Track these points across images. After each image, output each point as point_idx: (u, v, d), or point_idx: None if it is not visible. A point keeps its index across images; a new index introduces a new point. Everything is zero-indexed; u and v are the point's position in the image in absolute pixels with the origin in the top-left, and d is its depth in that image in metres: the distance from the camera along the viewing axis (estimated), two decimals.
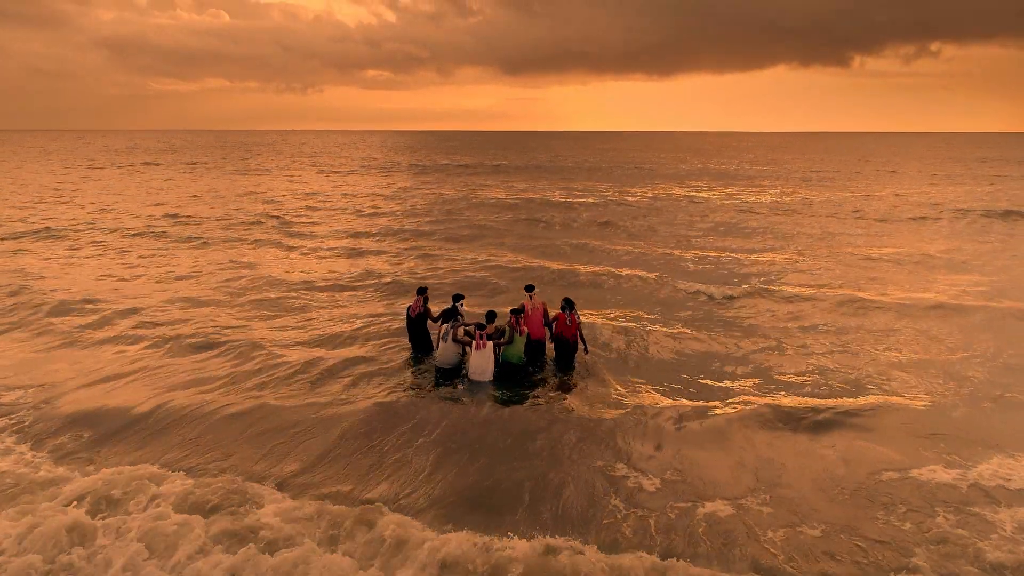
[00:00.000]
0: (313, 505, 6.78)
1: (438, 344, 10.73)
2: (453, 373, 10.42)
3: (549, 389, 9.96)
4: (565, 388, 10.04)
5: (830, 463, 7.81)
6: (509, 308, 11.14)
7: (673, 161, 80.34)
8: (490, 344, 10.17)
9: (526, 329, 10.56)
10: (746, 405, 9.31)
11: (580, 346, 10.97)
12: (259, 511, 6.70)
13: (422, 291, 11.49)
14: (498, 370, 10.26)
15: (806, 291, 15.84)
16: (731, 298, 15.24)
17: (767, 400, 9.51)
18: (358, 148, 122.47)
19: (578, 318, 10.91)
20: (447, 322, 10.60)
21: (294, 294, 15.82)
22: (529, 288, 11.39)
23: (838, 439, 8.39)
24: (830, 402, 9.46)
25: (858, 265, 19.15)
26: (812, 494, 7.18)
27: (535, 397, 9.61)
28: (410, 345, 11.59)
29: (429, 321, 11.32)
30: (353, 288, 16.54)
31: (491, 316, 10.55)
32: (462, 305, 11.02)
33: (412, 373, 10.59)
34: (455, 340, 10.46)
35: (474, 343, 10.16)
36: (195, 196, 38.26)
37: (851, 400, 9.56)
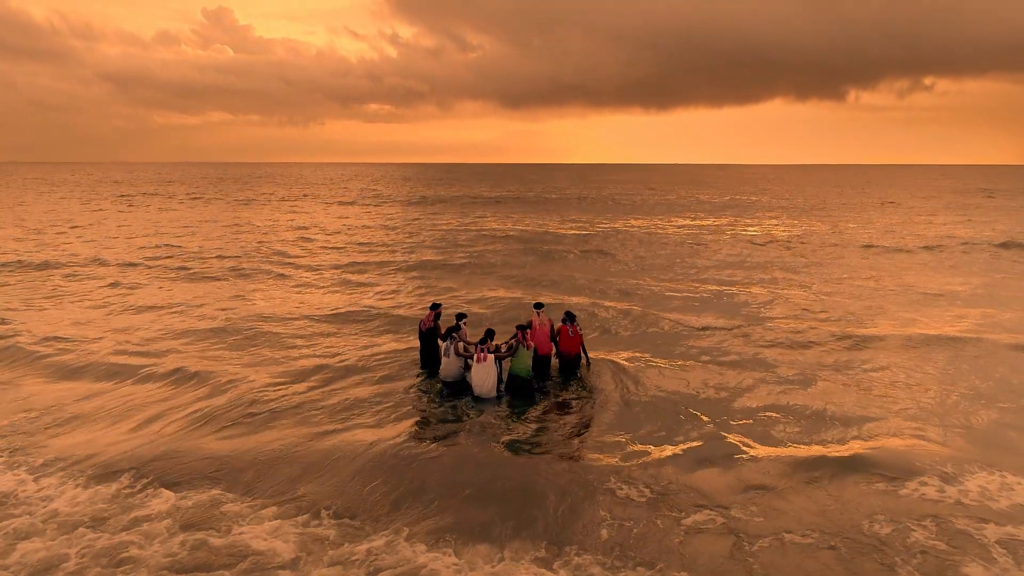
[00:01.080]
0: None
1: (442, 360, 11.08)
2: (459, 388, 10.75)
3: (551, 425, 9.75)
4: (564, 424, 9.81)
5: (825, 502, 7.55)
6: (515, 324, 11.58)
7: (670, 193, 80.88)
8: (491, 357, 10.43)
9: (533, 344, 10.90)
10: (745, 437, 9.07)
11: (583, 359, 11.49)
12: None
13: (435, 307, 11.92)
14: (504, 385, 10.65)
15: (806, 324, 15.63)
16: (729, 330, 15.01)
17: (764, 429, 9.33)
18: (358, 180, 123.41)
19: (580, 330, 11.39)
20: (449, 340, 10.95)
21: (288, 326, 15.60)
22: (538, 305, 11.87)
23: (835, 475, 8.13)
24: (828, 436, 9.24)
25: (864, 297, 18.99)
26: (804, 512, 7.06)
27: (536, 441, 9.18)
28: (420, 362, 11.95)
29: (439, 339, 11.55)
30: (348, 320, 16.33)
31: (490, 333, 10.87)
32: (465, 324, 11.43)
33: (417, 402, 10.64)
34: (456, 354, 10.80)
35: (475, 356, 10.45)
36: (191, 227, 38.27)
37: (853, 434, 9.32)
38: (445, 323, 12.02)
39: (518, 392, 10.57)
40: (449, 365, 10.85)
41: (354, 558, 6.49)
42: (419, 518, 7.23)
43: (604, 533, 6.88)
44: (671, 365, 12.49)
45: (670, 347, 13.78)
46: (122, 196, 69.18)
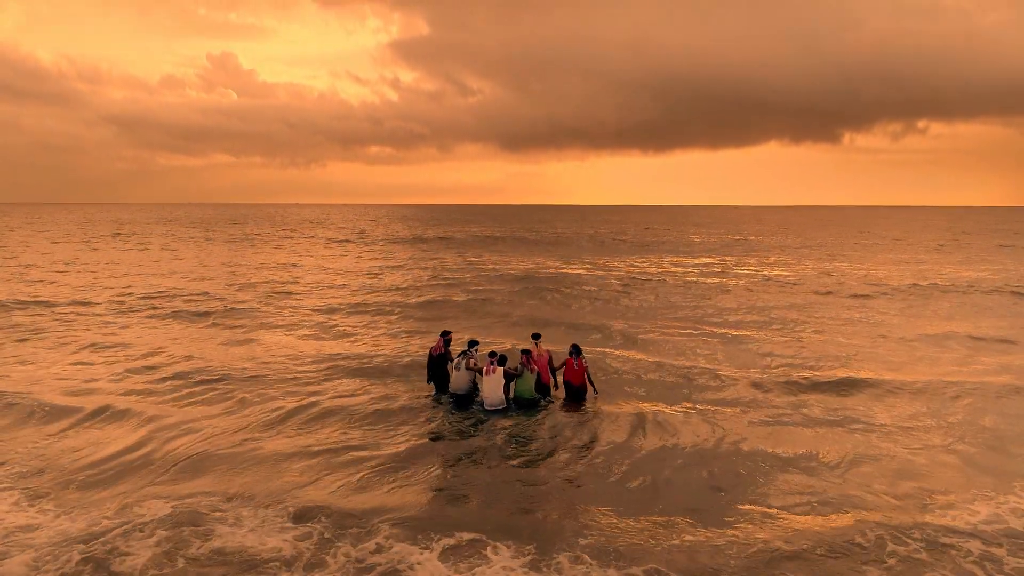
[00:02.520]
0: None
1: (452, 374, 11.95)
2: (466, 401, 11.69)
3: (551, 434, 10.47)
4: (564, 435, 10.51)
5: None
6: (520, 349, 12.26)
7: (669, 233, 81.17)
8: (500, 370, 11.32)
9: (536, 368, 11.66)
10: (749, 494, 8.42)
11: (590, 389, 12.01)
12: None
13: (445, 334, 12.71)
14: (511, 404, 11.43)
15: (812, 370, 15.07)
16: (733, 379, 14.44)
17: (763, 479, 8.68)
18: (358, 219, 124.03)
19: (585, 363, 12.03)
20: (460, 356, 11.91)
21: (285, 367, 15.01)
22: (536, 336, 12.56)
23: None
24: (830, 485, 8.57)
25: (862, 343, 18.49)
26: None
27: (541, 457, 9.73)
28: (428, 381, 12.59)
29: (449, 363, 12.26)
30: (345, 359, 15.75)
31: (493, 355, 11.68)
32: (476, 350, 12.19)
33: (425, 412, 11.55)
34: (467, 368, 11.69)
35: (484, 368, 11.37)
36: (188, 267, 37.97)
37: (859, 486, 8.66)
38: (456, 352, 12.57)
39: (523, 407, 11.41)
40: (459, 379, 11.72)
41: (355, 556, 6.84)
42: (422, 516, 7.70)
43: (594, 540, 7.16)
44: (675, 408, 11.89)
45: (675, 390, 13.21)
46: (118, 234, 69.14)
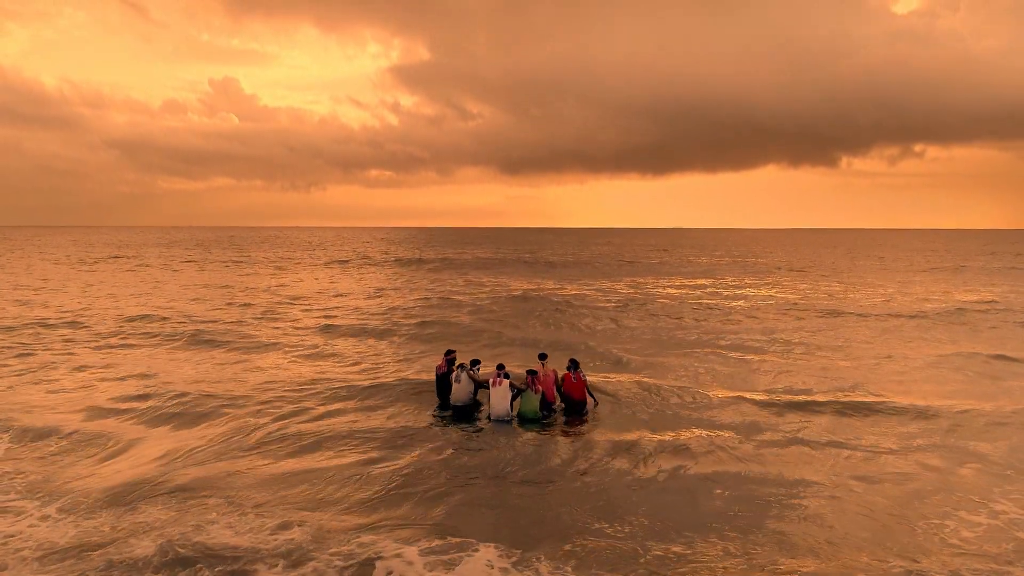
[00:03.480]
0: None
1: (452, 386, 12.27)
2: (467, 413, 11.94)
3: (553, 446, 10.67)
4: (565, 445, 10.75)
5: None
6: (526, 370, 12.44)
7: (670, 256, 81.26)
8: (506, 382, 11.57)
9: (541, 388, 11.90)
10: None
11: (590, 400, 12.35)
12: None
13: (449, 353, 13.26)
14: (517, 420, 11.60)
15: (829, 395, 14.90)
16: (731, 400, 14.27)
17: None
18: (358, 242, 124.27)
19: (584, 376, 12.38)
20: (459, 368, 12.23)
21: (285, 387, 14.84)
22: (542, 356, 12.99)
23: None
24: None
25: (879, 366, 18.32)
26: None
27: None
28: (437, 398, 13.00)
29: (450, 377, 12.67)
30: (340, 386, 15.58)
31: (500, 367, 12.05)
32: (478, 369, 12.59)
33: (432, 425, 11.84)
34: (469, 379, 11.96)
35: (491, 380, 11.64)
36: (184, 289, 37.90)
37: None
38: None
39: (526, 424, 11.60)
40: (460, 390, 11.96)
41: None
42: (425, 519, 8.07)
43: (577, 547, 7.41)
44: (675, 433, 11.71)
45: (674, 412, 13.03)
46: (116, 257, 69.19)
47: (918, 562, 7.12)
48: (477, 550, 7.23)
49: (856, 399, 13.68)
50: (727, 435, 11.34)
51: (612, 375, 15.96)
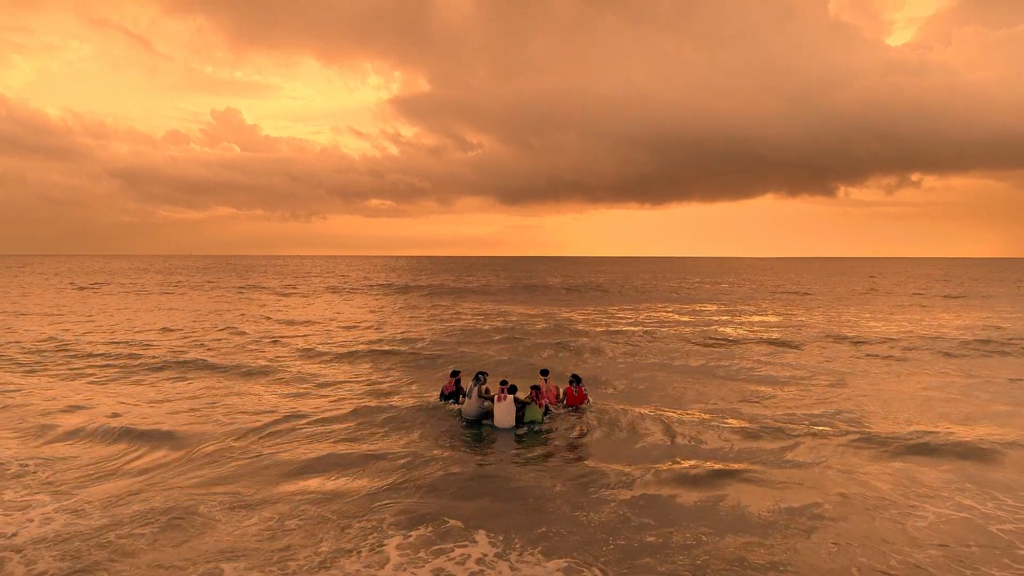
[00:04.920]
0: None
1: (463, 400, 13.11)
2: (477, 425, 12.66)
3: (553, 448, 11.69)
4: (566, 447, 11.76)
5: None
6: (530, 385, 13.46)
7: (672, 284, 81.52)
8: (510, 397, 12.40)
9: (544, 402, 12.92)
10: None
11: (587, 401, 13.64)
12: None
13: (455, 374, 14.22)
14: (520, 426, 12.41)
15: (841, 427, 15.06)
16: (732, 426, 14.45)
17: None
18: (358, 270, 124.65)
19: (585, 389, 13.76)
20: (473, 383, 12.98)
21: (292, 412, 15.03)
22: (544, 372, 14.17)
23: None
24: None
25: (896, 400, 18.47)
26: None
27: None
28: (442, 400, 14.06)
29: (461, 395, 13.54)
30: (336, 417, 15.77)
31: (504, 383, 12.76)
32: (484, 379, 13.21)
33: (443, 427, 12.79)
34: (479, 395, 12.67)
35: (496, 396, 12.47)
36: (183, 315, 38.09)
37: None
38: (465, 383, 13.75)
39: (530, 430, 12.43)
40: (471, 405, 12.68)
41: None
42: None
43: (559, 532, 8.25)
44: (671, 467, 11.84)
45: (674, 441, 13.15)
46: (119, 284, 69.32)
47: None
48: (468, 534, 8.09)
49: (872, 430, 13.64)
50: (719, 466, 11.51)
51: (615, 403, 15.80)
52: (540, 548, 7.75)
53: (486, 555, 7.56)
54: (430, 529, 8.21)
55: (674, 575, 7.15)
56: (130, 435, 12.41)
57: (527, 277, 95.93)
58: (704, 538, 7.99)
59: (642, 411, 14.49)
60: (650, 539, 7.97)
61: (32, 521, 8.45)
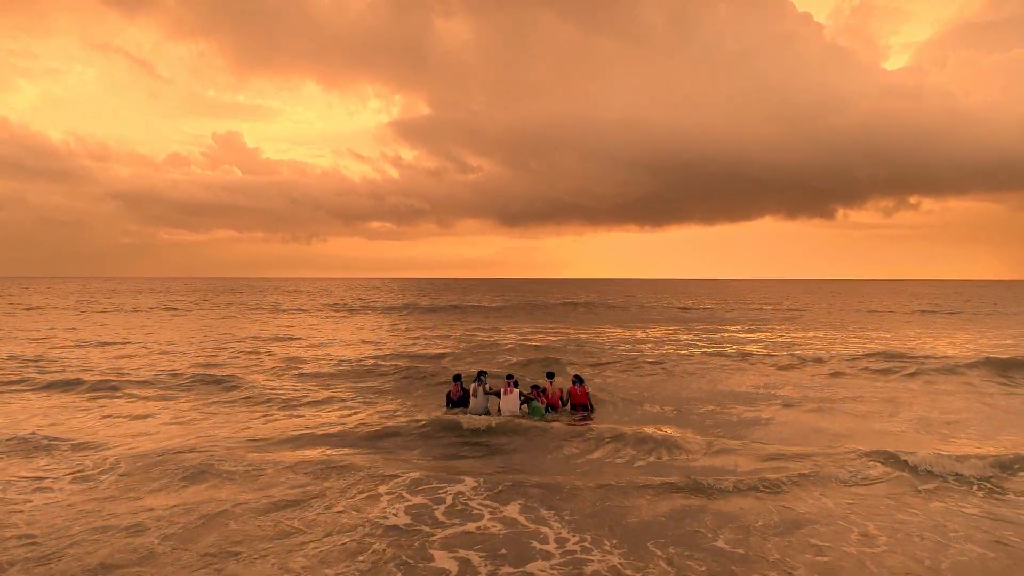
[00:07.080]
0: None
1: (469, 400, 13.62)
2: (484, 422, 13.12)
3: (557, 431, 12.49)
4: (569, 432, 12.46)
5: None
6: (532, 384, 13.93)
7: (670, 306, 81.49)
8: (516, 391, 13.00)
9: (547, 401, 13.33)
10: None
11: (590, 407, 14.03)
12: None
13: (457, 378, 14.49)
14: (525, 416, 12.94)
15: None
16: (732, 449, 14.22)
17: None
18: (358, 291, 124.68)
19: (587, 388, 14.18)
20: (476, 382, 13.54)
21: (297, 432, 14.80)
22: (550, 375, 14.54)
23: None
24: None
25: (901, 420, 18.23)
26: None
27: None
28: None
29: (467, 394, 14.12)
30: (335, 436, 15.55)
31: (509, 377, 13.50)
32: (486, 378, 13.74)
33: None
34: (484, 392, 13.18)
35: (503, 389, 13.07)
36: (185, 337, 37.95)
37: None
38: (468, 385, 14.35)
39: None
40: (477, 403, 13.20)
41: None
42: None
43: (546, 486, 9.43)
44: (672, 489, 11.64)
45: (678, 460, 12.94)
46: (122, 306, 69.31)
47: None
48: (461, 480, 9.63)
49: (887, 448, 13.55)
50: (713, 482, 11.28)
51: (616, 424, 15.83)
52: (504, 489, 9.02)
53: (463, 492, 9.06)
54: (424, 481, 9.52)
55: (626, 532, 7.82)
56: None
57: (527, 297, 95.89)
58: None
59: (644, 428, 14.27)
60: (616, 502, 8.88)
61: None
